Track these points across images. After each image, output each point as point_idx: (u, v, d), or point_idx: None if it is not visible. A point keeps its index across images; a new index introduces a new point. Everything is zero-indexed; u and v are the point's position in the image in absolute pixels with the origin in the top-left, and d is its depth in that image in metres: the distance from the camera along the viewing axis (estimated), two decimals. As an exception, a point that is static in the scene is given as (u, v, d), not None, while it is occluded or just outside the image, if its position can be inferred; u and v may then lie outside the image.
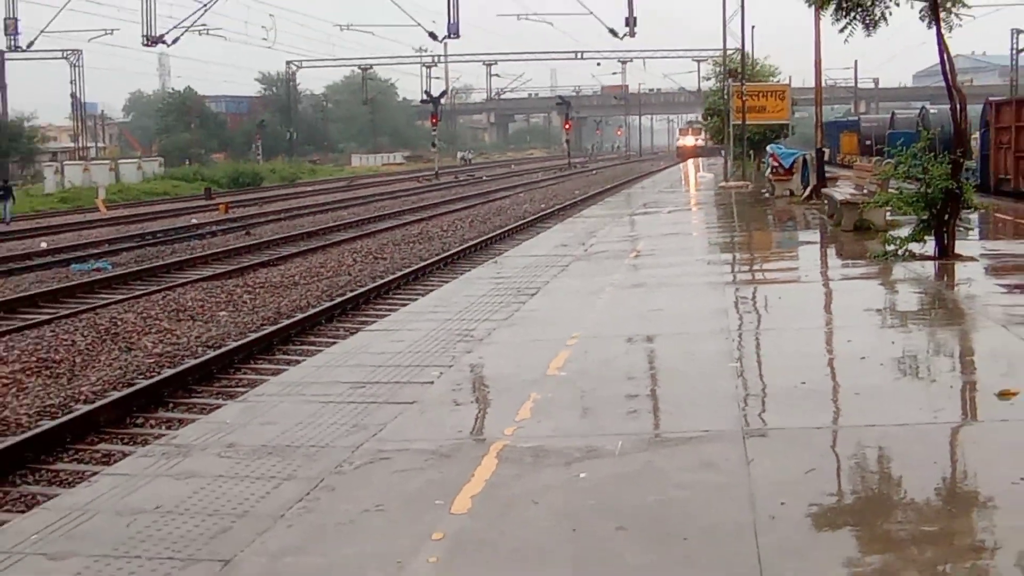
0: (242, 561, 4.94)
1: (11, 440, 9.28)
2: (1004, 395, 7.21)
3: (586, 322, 11.11)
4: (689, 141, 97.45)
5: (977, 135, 28.00)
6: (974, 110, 28.56)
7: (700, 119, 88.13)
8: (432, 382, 8.54)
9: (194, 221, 36.44)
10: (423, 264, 21.77)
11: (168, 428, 9.62)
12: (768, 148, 38.01)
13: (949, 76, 15.67)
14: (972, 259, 14.83)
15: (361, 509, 5.58)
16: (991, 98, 30.88)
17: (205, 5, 40.50)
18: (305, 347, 13.64)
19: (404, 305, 14.87)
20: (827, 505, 5.38)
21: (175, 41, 45.58)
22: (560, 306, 12.44)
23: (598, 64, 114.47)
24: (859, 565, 4.63)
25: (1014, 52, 49.95)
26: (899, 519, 5.16)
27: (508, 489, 5.78)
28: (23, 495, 8.28)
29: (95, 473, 7.24)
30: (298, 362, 11.53)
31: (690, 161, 76.41)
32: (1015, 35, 48.21)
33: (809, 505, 5.34)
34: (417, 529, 5.22)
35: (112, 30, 69.55)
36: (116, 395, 10.87)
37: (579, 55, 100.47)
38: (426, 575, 4.70)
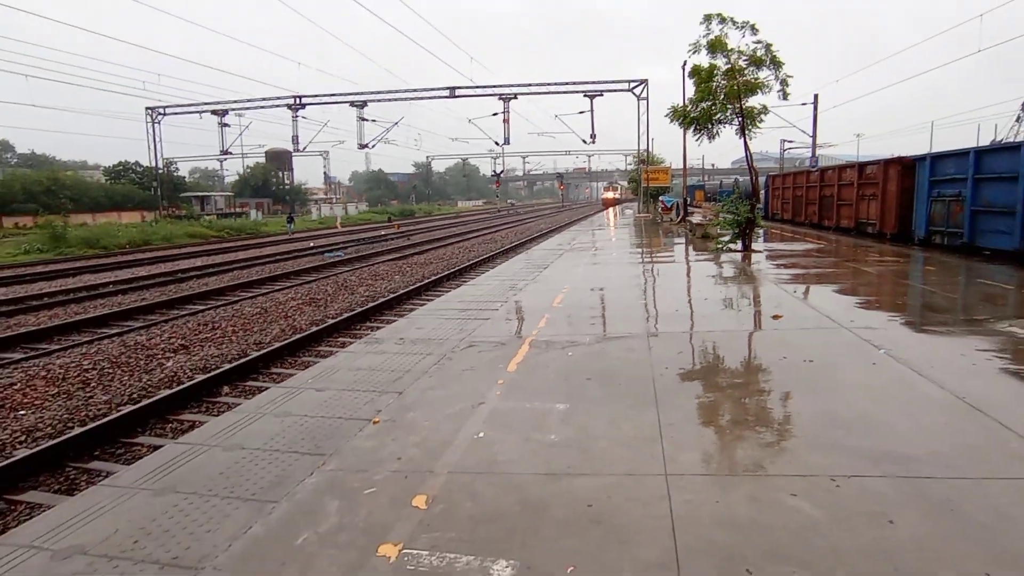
0: (407, 393, 5.00)
1: (298, 335, 9.44)
2: (775, 318, 7.14)
3: (571, 281, 11.04)
4: (610, 195, 77.39)
5: (763, 191, 27.56)
6: (764, 180, 28.21)
7: (621, 182, 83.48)
8: (497, 309, 8.55)
9: (382, 233, 36.50)
10: (492, 253, 21.60)
11: (370, 331, 9.72)
12: (660, 197, 37.52)
13: (750, 162, 15.42)
14: (760, 252, 14.55)
15: (463, 369, 5.62)
16: (771, 174, 30.42)
17: (387, 129, 40.61)
18: (436, 292, 13.66)
19: (483, 273, 14.82)
20: (687, 369, 5.36)
21: (373, 146, 45.45)
22: (558, 274, 12.34)
23: (576, 157, 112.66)
24: (702, 398, 4.61)
25: (782, 151, 49.50)
26: (722, 376, 5.13)
27: (534, 360, 5.79)
28: (302, 361, 8.42)
29: (338, 351, 7.35)
30: (432, 299, 11.59)
31: (610, 209, 62.32)
32: (783, 143, 47.84)
33: (679, 368, 5.31)
34: (490, 379, 5.26)
35: (342, 141, 69.91)
36: (347, 315, 10.95)
37: (567, 152, 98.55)
38: (496, 400, 4.74)
